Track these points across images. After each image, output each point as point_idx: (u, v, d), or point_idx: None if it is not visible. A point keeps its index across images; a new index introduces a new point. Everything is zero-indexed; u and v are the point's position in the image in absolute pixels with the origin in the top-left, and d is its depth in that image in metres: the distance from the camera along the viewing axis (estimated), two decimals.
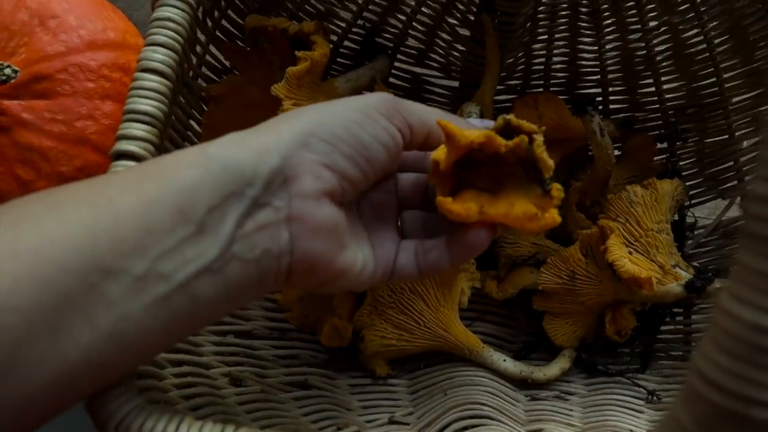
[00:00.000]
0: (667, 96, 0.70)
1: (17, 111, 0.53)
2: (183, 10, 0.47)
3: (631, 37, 0.67)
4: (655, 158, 0.73)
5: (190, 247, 0.32)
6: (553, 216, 0.39)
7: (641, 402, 0.62)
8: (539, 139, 0.39)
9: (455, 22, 0.66)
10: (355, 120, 0.38)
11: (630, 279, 0.60)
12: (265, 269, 0.35)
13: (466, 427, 0.56)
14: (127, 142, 0.43)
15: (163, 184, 0.32)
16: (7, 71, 0.48)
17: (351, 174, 0.37)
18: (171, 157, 0.35)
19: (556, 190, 0.39)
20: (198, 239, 0.32)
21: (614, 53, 0.69)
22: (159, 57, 0.46)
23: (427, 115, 0.41)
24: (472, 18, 0.65)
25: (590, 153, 0.73)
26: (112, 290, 0.29)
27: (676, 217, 0.70)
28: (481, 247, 0.41)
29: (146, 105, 0.45)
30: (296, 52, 0.55)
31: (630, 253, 0.62)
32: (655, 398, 0.62)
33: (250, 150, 0.35)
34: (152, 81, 0.45)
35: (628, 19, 0.67)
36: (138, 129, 0.44)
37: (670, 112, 0.71)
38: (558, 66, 0.71)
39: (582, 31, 0.68)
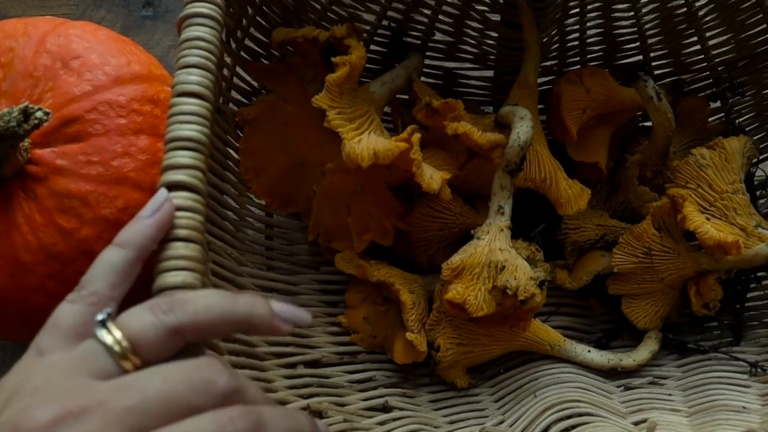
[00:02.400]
0: (715, 52, 0.67)
1: (51, 158, 0.51)
2: (212, 28, 0.44)
3: None
4: (710, 119, 0.69)
5: None
6: None
7: (744, 376, 0.58)
8: None
9: (485, 8, 0.63)
10: None
11: (715, 246, 0.56)
12: None
13: (569, 428, 0.52)
14: (174, 171, 0.40)
15: None
16: (39, 114, 0.45)
17: None
18: None
19: None
20: None
21: (652, 15, 0.66)
22: (194, 78, 0.43)
23: None
24: (502, 1, 0.62)
25: (640, 124, 0.70)
26: None
27: None
28: None
29: (189, 130, 0.42)
30: (333, 58, 0.52)
31: (707, 219, 0.58)
32: (759, 370, 0.58)
33: None
34: (191, 104, 0.42)
35: None
36: (184, 156, 0.41)
37: (719, 69, 0.67)
38: (594, 39, 0.68)
39: None
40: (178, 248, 0.39)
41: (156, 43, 0.77)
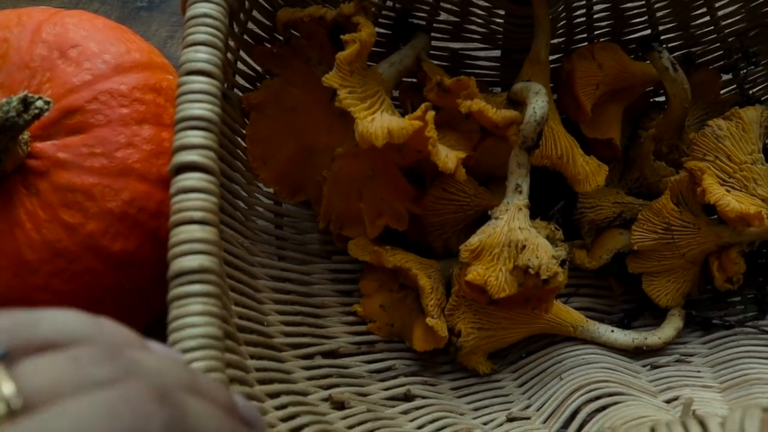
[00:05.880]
0: (725, 23, 0.65)
1: (52, 152, 0.49)
2: (218, 4, 0.43)
3: None
4: (721, 92, 0.68)
5: None
6: None
7: None
8: None
9: None
10: None
11: (737, 218, 0.55)
12: None
13: (601, 408, 0.51)
14: (186, 152, 0.39)
15: None
16: (39, 103, 0.43)
17: None
18: None
19: None
20: None
21: None
22: (202, 56, 0.41)
23: None
24: None
25: (651, 100, 0.69)
26: None
27: None
28: None
29: (199, 109, 0.40)
30: (342, 36, 0.50)
31: (727, 191, 0.57)
32: None
33: None
34: (200, 83, 0.41)
35: None
36: (196, 136, 0.40)
37: (730, 39, 0.66)
38: (601, 14, 0.67)
39: None
40: (194, 231, 0.37)
41: (153, 34, 0.75)
